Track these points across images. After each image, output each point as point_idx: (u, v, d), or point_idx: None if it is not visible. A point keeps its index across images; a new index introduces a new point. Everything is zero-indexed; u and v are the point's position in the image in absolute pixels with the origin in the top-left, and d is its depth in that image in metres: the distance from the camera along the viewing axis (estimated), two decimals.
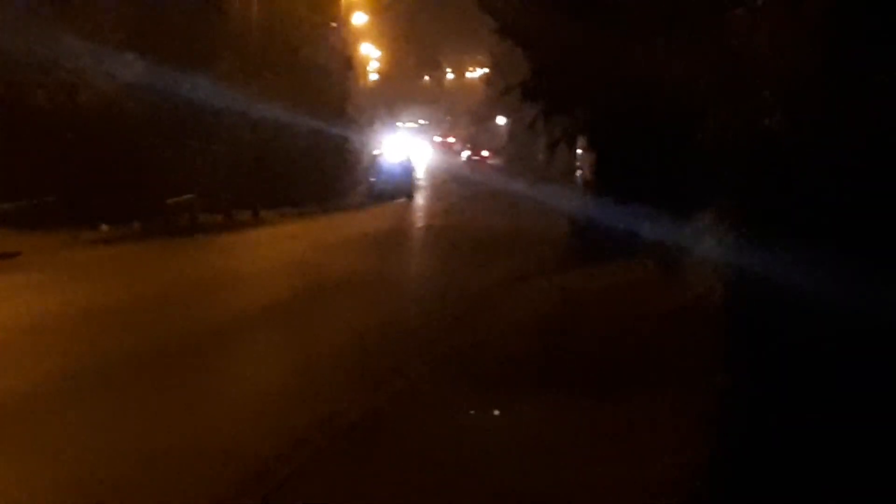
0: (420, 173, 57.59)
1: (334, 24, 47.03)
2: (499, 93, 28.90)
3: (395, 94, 77.23)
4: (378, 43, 63.83)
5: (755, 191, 5.48)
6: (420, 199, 47.57)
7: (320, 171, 42.92)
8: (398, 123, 77.73)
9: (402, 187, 47.53)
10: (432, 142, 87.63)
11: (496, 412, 8.20)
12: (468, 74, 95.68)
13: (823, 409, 4.82)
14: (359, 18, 53.70)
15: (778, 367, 5.02)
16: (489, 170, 71.56)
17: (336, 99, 45.90)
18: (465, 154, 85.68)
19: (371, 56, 63.43)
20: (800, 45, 5.21)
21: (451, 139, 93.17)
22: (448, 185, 57.27)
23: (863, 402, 4.78)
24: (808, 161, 5.12)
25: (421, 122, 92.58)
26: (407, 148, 56.50)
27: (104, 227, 24.80)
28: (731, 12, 5.74)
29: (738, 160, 5.68)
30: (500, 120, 76.54)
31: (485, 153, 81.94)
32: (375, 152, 54.08)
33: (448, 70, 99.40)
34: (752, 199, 5.52)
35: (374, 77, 67.20)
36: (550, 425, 7.90)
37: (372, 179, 49.28)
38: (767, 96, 5.43)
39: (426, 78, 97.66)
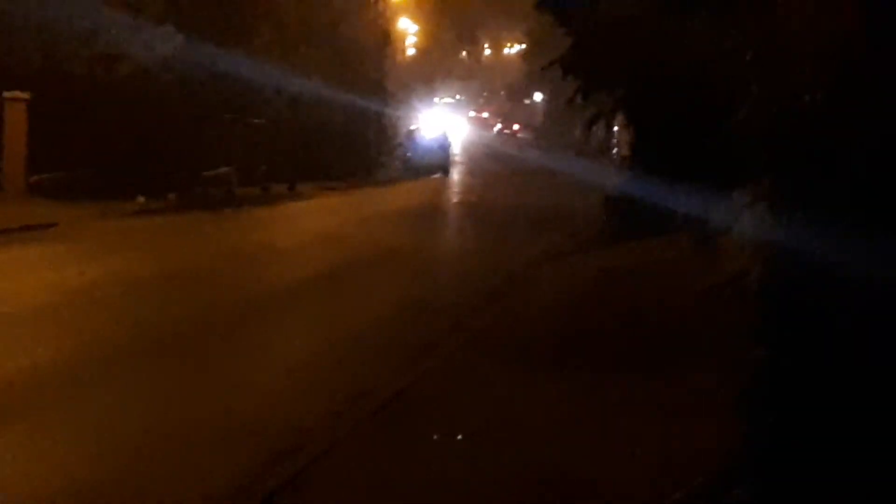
0: (456, 149, 57.50)
1: None
2: (538, 69, 28.78)
3: (432, 69, 77.04)
4: (416, 17, 63.64)
5: (794, 168, 5.41)
6: (455, 175, 47.50)
7: (357, 146, 42.98)
8: (435, 98, 77.66)
9: (438, 162, 47.45)
10: (468, 117, 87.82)
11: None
12: (506, 50, 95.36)
13: (861, 386, 4.77)
14: None
15: (816, 345, 4.97)
16: (519, 143, 71.96)
17: (373, 73, 45.90)
18: (497, 127, 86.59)
19: (409, 31, 63.24)
20: (842, 20, 5.13)
21: (486, 114, 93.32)
22: (483, 160, 57.19)
23: None
24: (849, 138, 5.05)
25: (458, 97, 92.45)
26: (443, 123, 56.45)
27: (140, 199, 24.92)
28: None
29: (777, 137, 5.61)
30: (537, 96, 76.43)
31: (515, 127, 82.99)
32: (412, 127, 54.06)
33: (486, 45, 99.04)
34: (790, 177, 5.45)
35: (411, 52, 67.01)
36: (582, 401, 7.88)
37: (408, 154, 49.23)
38: (808, 72, 5.35)
39: (463, 53, 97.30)
